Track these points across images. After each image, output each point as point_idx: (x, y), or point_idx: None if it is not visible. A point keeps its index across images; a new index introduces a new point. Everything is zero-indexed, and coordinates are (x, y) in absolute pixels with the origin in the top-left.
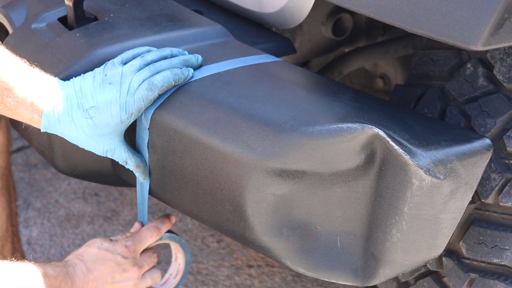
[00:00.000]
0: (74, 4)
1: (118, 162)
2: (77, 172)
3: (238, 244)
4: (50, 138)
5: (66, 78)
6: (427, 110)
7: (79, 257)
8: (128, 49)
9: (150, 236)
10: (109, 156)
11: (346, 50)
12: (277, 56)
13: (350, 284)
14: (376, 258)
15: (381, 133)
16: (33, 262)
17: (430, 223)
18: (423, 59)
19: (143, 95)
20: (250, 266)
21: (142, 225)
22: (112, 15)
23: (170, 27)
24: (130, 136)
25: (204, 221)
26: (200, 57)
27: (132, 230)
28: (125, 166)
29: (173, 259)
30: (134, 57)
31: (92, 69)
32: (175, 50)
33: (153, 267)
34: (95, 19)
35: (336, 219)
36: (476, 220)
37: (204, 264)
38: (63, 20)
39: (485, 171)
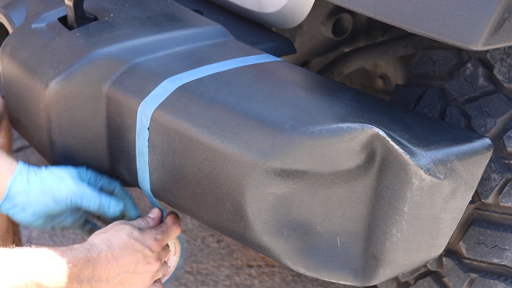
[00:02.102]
0: (74, 4)
1: (118, 161)
2: None
3: (238, 244)
4: (50, 137)
5: (65, 78)
6: (427, 110)
7: (107, 242)
8: (128, 49)
9: (175, 231)
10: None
11: (346, 50)
12: (277, 56)
13: (350, 284)
14: (376, 258)
15: (381, 133)
16: (52, 248)
17: (430, 223)
18: (423, 59)
19: None
20: (250, 266)
21: (161, 211)
22: (112, 15)
23: (170, 27)
24: (129, 138)
25: (204, 221)
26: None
27: (152, 216)
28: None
29: (172, 253)
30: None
31: (91, 70)
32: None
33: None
34: (95, 19)
35: (336, 219)
36: (476, 220)
37: (204, 264)
38: (63, 20)
39: (485, 171)
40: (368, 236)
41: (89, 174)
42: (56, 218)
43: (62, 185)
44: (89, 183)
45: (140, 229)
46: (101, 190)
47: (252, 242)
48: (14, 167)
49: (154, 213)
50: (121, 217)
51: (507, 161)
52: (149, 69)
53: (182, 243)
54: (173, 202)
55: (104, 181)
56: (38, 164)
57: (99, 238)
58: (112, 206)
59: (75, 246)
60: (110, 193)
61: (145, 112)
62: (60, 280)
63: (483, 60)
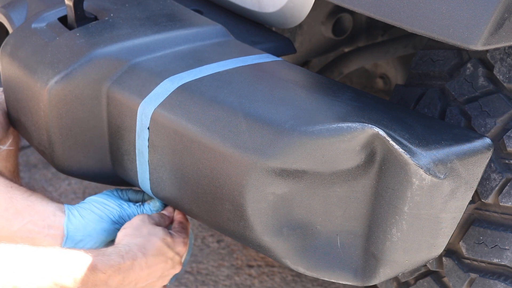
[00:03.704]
0: (74, 3)
1: (119, 161)
2: (77, 171)
3: (238, 244)
4: (50, 137)
5: (65, 78)
6: (427, 110)
7: (142, 249)
8: (128, 48)
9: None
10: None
11: (346, 50)
12: (277, 55)
13: (350, 283)
14: (376, 258)
15: (381, 132)
16: (83, 251)
17: (430, 222)
18: (423, 59)
19: None
20: (250, 266)
21: (173, 208)
22: (112, 14)
23: (170, 27)
24: (129, 137)
25: (204, 221)
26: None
27: (166, 213)
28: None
29: None
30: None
31: (91, 69)
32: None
33: None
34: (95, 18)
35: (336, 219)
36: (476, 220)
37: (204, 264)
38: (63, 19)
39: (485, 171)
40: (368, 236)
41: (118, 191)
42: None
43: (111, 207)
44: (123, 200)
45: (171, 234)
46: (130, 200)
47: (252, 242)
48: (62, 207)
49: (169, 211)
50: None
51: (507, 161)
52: (149, 69)
53: (191, 239)
54: (173, 202)
55: (130, 193)
56: (37, 165)
57: (134, 243)
58: (152, 210)
59: (109, 250)
60: (139, 201)
61: (145, 112)
62: (84, 285)
63: (483, 60)
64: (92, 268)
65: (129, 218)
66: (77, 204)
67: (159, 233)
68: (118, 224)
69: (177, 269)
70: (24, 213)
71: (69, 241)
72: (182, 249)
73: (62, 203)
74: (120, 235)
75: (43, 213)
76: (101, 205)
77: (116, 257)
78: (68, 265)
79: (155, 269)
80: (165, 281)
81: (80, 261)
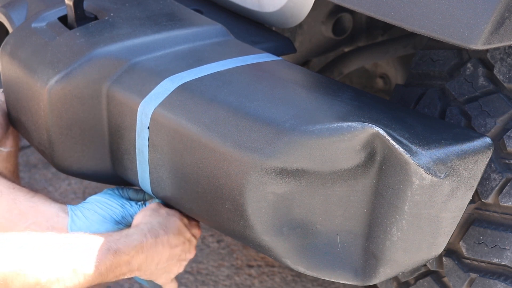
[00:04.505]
0: (74, 3)
1: (119, 160)
2: (77, 171)
3: (238, 244)
4: (50, 137)
5: (65, 77)
6: (427, 110)
7: (163, 228)
8: (128, 48)
9: None
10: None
11: (346, 49)
12: (277, 55)
13: (350, 283)
14: (376, 257)
15: (382, 132)
16: (106, 235)
17: (430, 222)
18: (423, 59)
19: None
20: (250, 266)
21: None
22: (112, 14)
23: (170, 27)
24: (129, 137)
25: (204, 220)
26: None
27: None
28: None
29: None
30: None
31: (91, 69)
32: None
33: None
34: (95, 18)
35: (336, 218)
36: (476, 220)
37: (204, 264)
38: (63, 19)
39: (485, 171)
40: (368, 235)
41: (119, 190)
42: None
43: (114, 207)
44: (125, 199)
45: (186, 216)
46: (130, 199)
47: (252, 241)
48: (65, 208)
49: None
50: None
51: (507, 161)
52: (149, 68)
53: None
54: (173, 201)
55: (130, 192)
56: (37, 165)
57: (156, 221)
58: None
59: (131, 231)
60: (140, 200)
61: (145, 111)
62: (108, 269)
63: (483, 60)
64: (115, 252)
65: (132, 217)
66: (79, 205)
67: (177, 213)
68: (121, 224)
69: (192, 254)
70: (27, 214)
71: None
72: (197, 231)
73: (65, 203)
74: (138, 217)
75: (46, 214)
76: (104, 205)
77: (139, 236)
78: (89, 251)
79: (176, 251)
80: (181, 268)
81: (102, 246)
